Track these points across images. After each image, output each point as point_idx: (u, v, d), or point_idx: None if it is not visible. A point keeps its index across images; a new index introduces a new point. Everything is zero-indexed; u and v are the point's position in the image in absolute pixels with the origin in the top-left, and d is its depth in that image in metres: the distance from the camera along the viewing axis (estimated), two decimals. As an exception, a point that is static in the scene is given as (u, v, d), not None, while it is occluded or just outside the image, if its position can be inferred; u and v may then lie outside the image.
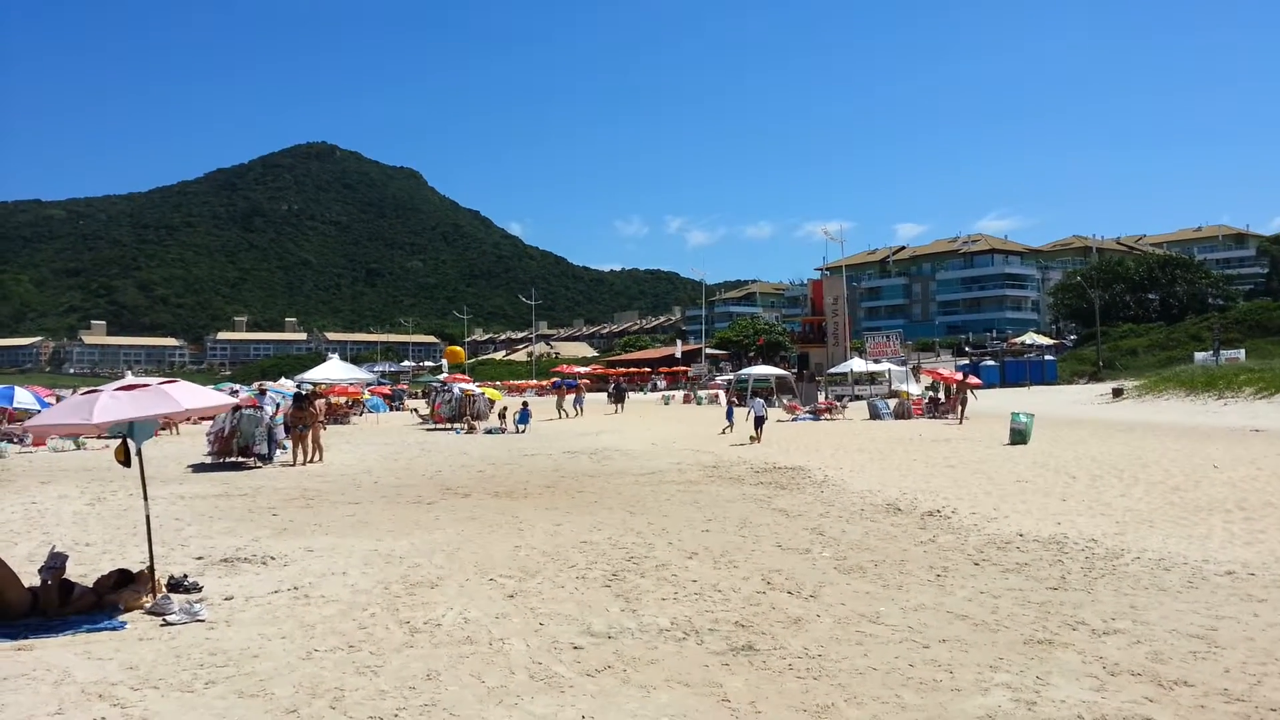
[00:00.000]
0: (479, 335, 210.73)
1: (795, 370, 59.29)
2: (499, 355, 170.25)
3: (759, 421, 24.93)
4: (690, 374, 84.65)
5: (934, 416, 33.40)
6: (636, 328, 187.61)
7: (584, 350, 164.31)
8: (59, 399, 35.14)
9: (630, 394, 66.34)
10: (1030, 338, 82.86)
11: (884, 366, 48.60)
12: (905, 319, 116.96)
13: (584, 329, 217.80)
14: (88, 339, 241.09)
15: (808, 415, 35.04)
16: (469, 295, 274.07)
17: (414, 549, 9.82)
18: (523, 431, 30.14)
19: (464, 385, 37.55)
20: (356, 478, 17.15)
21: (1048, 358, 67.45)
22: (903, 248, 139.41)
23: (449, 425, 32.40)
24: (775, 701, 5.18)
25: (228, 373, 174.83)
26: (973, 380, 35.68)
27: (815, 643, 6.27)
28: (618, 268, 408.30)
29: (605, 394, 55.66)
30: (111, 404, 7.55)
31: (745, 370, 54.86)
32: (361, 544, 10.17)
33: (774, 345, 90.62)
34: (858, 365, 48.34)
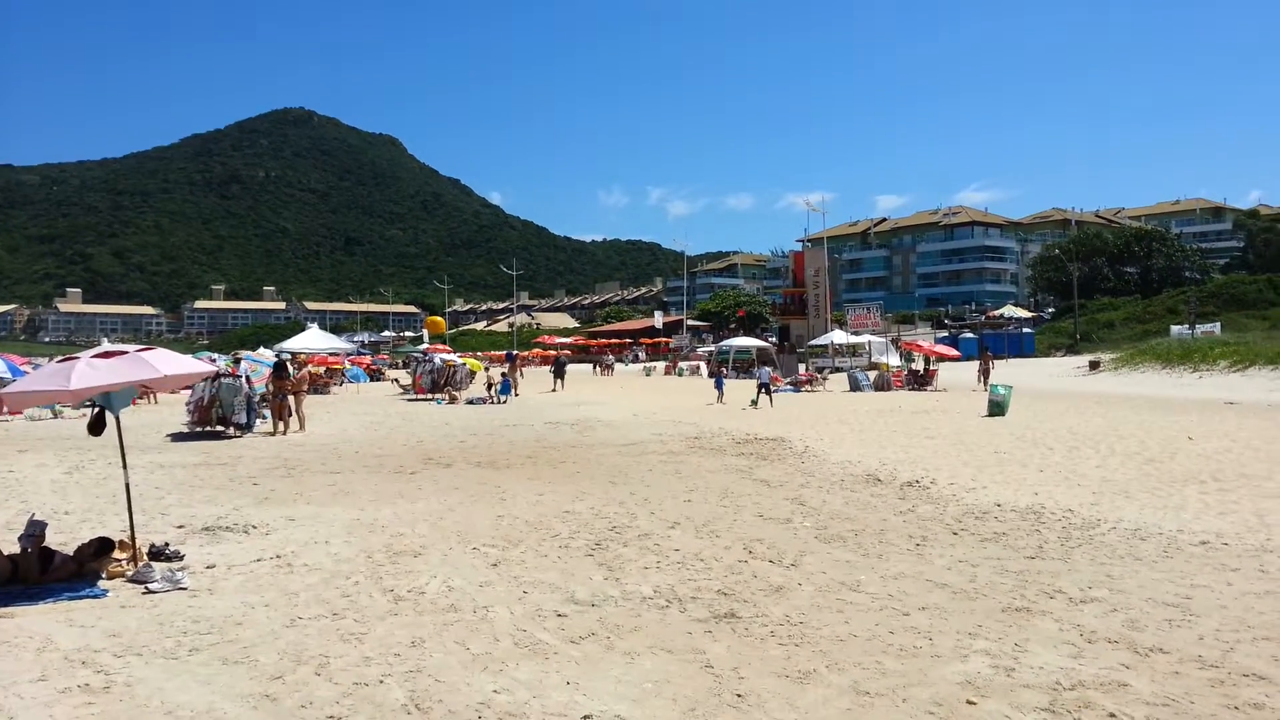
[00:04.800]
0: (460, 305, 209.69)
1: (776, 342, 59.45)
2: (480, 326, 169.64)
3: (764, 388, 26.81)
4: (672, 345, 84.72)
5: (913, 388, 33.63)
6: (618, 298, 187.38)
7: (565, 321, 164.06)
8: (34, 368, 34.75)
9: (614, 365, 66.47)
10: (1009, 310, 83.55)
11: (864, 338, 48.85)
12: (886, 291, 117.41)
13: (565, 300, 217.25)
14: (63, 307, 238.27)
15: (788, 387, 35.19)
16: (450, 265, 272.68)
17: (397, 518, 9.82)
18: (504, 402, 30.11)
19: (445, 355, 37.41)
20: (337, 447, 17.08)
21: (1026, 330, 67.98)
22: (884, 219, 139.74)
23: (430, 396, 32.29)
24: (758, 667, 5.23)
25: (205, 342, 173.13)
26: (971, 356, 36.00)
27: (796, 610, 6.33)
28: (599, 238, 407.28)
29: (592, 366, 55.68)
30: (89, 371, 7.44)
31: (726, 342, 55.00)
32: (344, 513, 10.15)
33: (755, 317, 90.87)
34: (838, 337, 48.56)
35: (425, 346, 49.16)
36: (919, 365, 37.87)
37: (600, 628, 5.96)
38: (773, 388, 28.34)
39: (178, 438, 18.83)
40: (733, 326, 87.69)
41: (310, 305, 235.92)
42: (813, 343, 51.63)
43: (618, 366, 67.84)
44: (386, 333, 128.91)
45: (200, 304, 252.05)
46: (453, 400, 30.49)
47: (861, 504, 10.52)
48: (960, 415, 22.20)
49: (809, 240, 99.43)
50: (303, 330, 52.58)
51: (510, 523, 9.52)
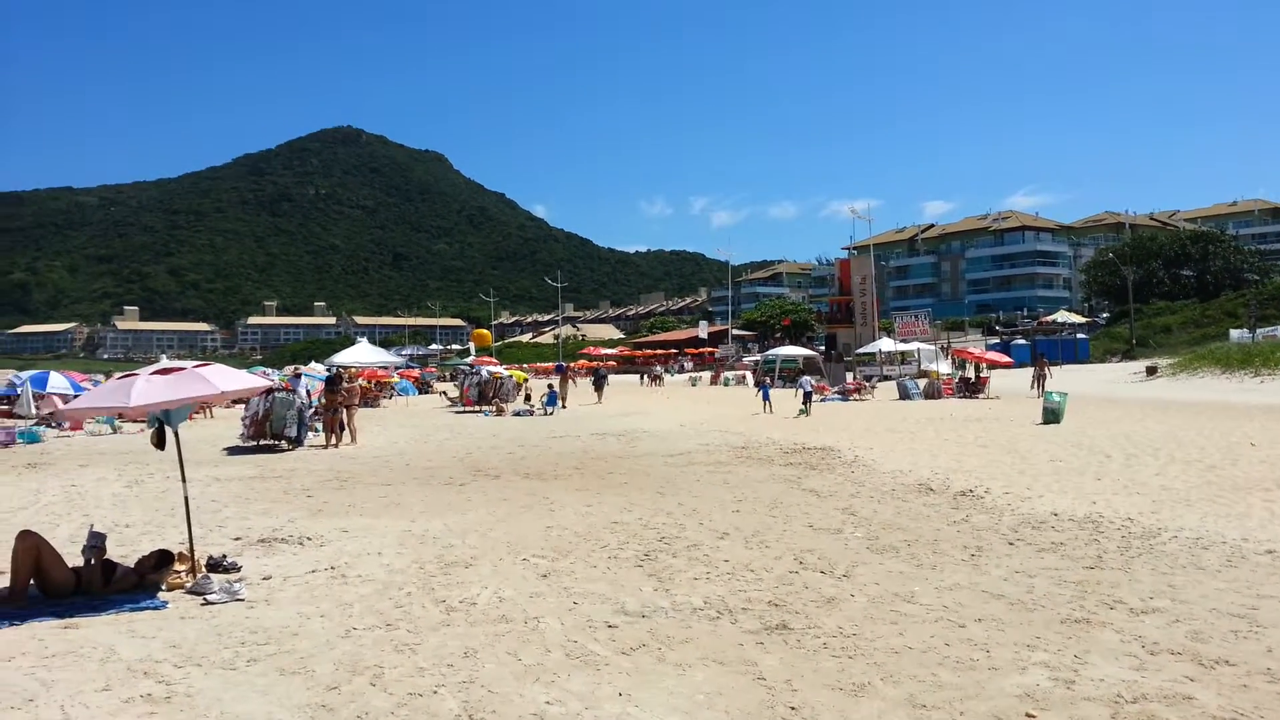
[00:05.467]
0: (505, 318, 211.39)
1: (823, 350, 59.00)
2: (526, 338, 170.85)
3: (807, 397, 27.01)
4: (717, 355, 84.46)
5: (964, 396, 33.14)
6: (662, 309, 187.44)
7: (610, 332, 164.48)
8: (94, 384, 35.74)
9: (663, 376, 66.38)
10: (1062, 316, 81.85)
11: (913, 346, 48.26)
12: (934, 298, 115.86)
13: (610, 311, 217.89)
14: (121, 324, 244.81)
15: (836, 396, 34.89)
16: (495, 278, 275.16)
17: (447, 529, 9.90)
18: (550, 414, 30.26)
19: (491, 368, 37.74)
20: (388, 460, 17.30)
21: (1080, 336, 66.64)
22: (931, 226, 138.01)
23: (477, 408, 32.58)
24: (811, 680, 5.18)
25: (259, 357, 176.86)
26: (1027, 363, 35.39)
27: (850, 622, 6.26)
28: (643, 249, 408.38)
29: (639, 377, 55.71)
30: (148, 388, 7.63)
31: (772, 351, 54.73)
32: (395, 524, 10.27)
33: (801, 325, 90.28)
34: (886, 345, 48.05)
35: (472, 359, 49.64)
36: (970, 373, 37.29)
37: (651, 639, 5.94)
38: (820, 397, 28.24)
39: (233, 451, 19.22)
40: (778, 335, 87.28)
41: (359, 320, 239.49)
42: (860, 351, 51.17)
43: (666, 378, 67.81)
44: (434, 346, 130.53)
45: (253, 320, 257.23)
46: (500, 412, 30.71)
47: (914, 514, 10.38)
48: (1014, 423, 21.81)
49: (855, 248, 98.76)
50: (352, 344, 53.39)
51: (559, 534, 9.55)
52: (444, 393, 44.48)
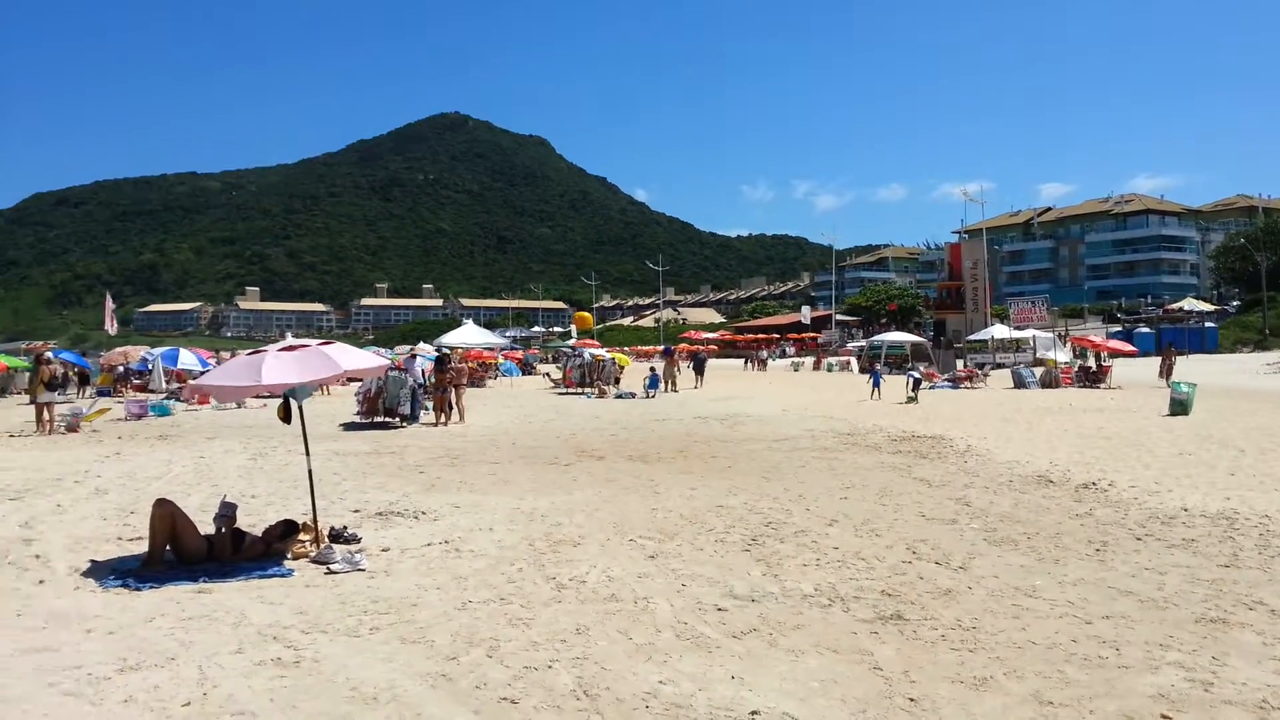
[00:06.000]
0: (606, 301, 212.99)
1: (931, 337, 57.49)
2: (626, 321, 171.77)
3: (916, 384, 26.70)
4: (820, 340, 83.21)
5: (1084, 385, 31.78)
6: (764, 293, 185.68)
7: (711, 316, 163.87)
8: (218, 363, 37.60)
9: (767, 360, 65.77)
10: (1189, 303, 77.52)
11: (1028, 333, 46.49)
12: (1051, 283, 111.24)
13: (711, 295, 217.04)
14: (243, 304, 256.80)
15: (946, 383, 33.94)
16: (596, 261, 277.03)
17: (554, 508, 10.05)
18: (652, 396, 30.35)
19: (594, 350, 38.08)
20: (495, 438, 17.66)
21: (1208, 325, 63.04)
22: (1048, 209, 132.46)
23: (579, 389, 32.94)
24: (930, 672, 5.05)
25: (370, 337, 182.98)
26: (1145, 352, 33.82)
27: (968, 614, 6.07)
28: (744, 233, 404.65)
29: (743, 361, 55.52)
30: (277, 365, 7.94)
31: (878, 336, 53.55)
32: (504, 502, 10.47)
33: (907, 311, 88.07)
34: (999, 332, 46.44)
35: (573, 341, 50.21)
36: (1091, 361, 35.71)
37: (762, 624, 5.89)
38: (929, 384, 27.55)
39: (349, 427, 19.94)
40: (884, 321, 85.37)
41: (465, 302, 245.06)
42: (971, 338, 49.63)
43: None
44: (536, 328, 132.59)
45: (366, 301, 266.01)
46: (602, 394, 30.97)
47: (1033, 506, 10.00)
48: (1138, 414, 20.80)
49: (966, 231, 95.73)
50: (459, 326, 54.72)
51: (664, 515, 9.57)
52: (546, 374, 45.18)
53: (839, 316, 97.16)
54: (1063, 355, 41.29)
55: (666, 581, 6.95)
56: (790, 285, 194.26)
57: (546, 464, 13.87)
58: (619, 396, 30.51)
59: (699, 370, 39.16)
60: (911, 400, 25.61)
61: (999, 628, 5.81)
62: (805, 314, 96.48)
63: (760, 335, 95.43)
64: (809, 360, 63.28)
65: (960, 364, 42.93)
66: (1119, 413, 21.46)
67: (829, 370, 53.86)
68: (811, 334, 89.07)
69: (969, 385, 33.52)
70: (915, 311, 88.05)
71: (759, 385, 38.74)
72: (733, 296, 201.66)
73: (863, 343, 60.63)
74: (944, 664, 5.17)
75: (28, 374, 30.33)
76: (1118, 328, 65.05)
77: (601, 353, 37.63)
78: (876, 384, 28.14)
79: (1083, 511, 9.66)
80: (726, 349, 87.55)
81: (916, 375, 27.16)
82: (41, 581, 7.02)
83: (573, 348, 40.93)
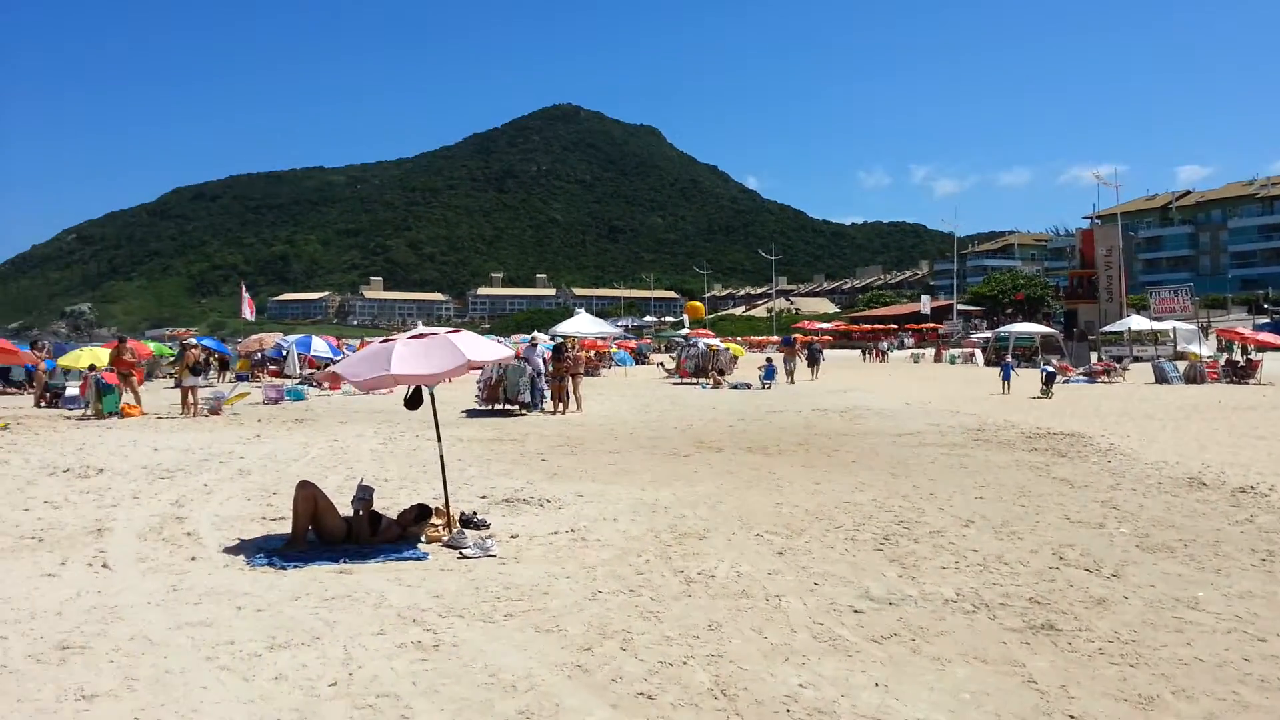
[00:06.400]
0: (718, 290, 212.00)
1: (1062, 328, 55.01)
2: (738, 311, 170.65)
3: (1050, 378, 25.47)
4: (941, 331, 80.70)
5: (1231, 381, 29.80)
6: (880, 283, 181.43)
7: (825, 306, 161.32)
8: (349, 349, 39.09)
9: (888, 352, 64.20)
10: (1348, 294, 71.80)
11: (1168, 325, 43.89)
12: (1191, 272, 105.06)
13: (824, 284, 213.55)
14: (367, 294, 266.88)
15: (1081, 378, 32.37)
16: (708, 250, 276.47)
17: (677, 500, 9.97)
18: (767, 387, 30.00)
19: (708, 340, 37.92)
20: (613, 428, 17.72)
21: (1370, 316, 58.21)
22: (1187, 192, 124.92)
23: (694, 380, 32.84)
24: (1089, 687, 4.73)
25: (486, 326, 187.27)
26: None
27: (1126, 626, 5.69)
28: (859, 220, 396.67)
29: (860, 353, 54.34)
30: (406, 353, 8.07)
31: (1005, 328, 51.54)
32: (626, 492, 10.46)
33: (1035, 301, 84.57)
34: (1137, 323, 44.00)
35: (686, 331, 50.14)
36: (1238, 355, 33.47)
37: (902, 629, 5.66)
38: (1063, 378, 26.33)
39: (471, 414, 20.38)
40: (1009, 311, 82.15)
41: (577, 291, 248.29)
42: (1105, 329, 47.19)
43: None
44: (648, 318, 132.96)
45: (482, 290, 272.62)
46: (717, 385, 30.80)
47: (1187, 510, 9.36)
48: (1295, 413, 19.34)
49: (1098, 216, 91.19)
50: (572, 315, 55.34)
51: (790, 510, 9.37)
52: (660, 364, 45.25)
53: (961, 306, 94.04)
54: (1206, 349, 38.81)
55: (797, 579, 6.77)
56: (908, 274, 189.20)
57: (666, 455, 13.82)
58: (734, 387, 30.27)
59: (814, 361, 38.52)
60: (1044, 395, 24.50)
61: (1161, 642, 5.42)
62: (925, 304, 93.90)
63: (877, 325, 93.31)
64: (929, 352, 61.45)
65: (1095, 357, 40.85)
66: (1274, 410, 20.00)
67: (951, 362, 52.14)
68: (931, 324, 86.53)
69: (1106, 380, 31.88)
70: (1044, 301, 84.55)
71: (878, 377, 37.82)
72: (847, 286, 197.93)
73: (988, 334, 58.45)
74: (1104, 679, 4.84)
75: (173, 359, 32.22)
76: (1265, 319, 60.75)
77: (716, 342, 37.47)
78: (1006, 377, 27.08)
79: (1243, 518, 8.98)
80: (841, 339, 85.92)
81: (1050, 369, 25.86)
82: (194, 558, 7.35)
83: (686, 337, 40.90)
